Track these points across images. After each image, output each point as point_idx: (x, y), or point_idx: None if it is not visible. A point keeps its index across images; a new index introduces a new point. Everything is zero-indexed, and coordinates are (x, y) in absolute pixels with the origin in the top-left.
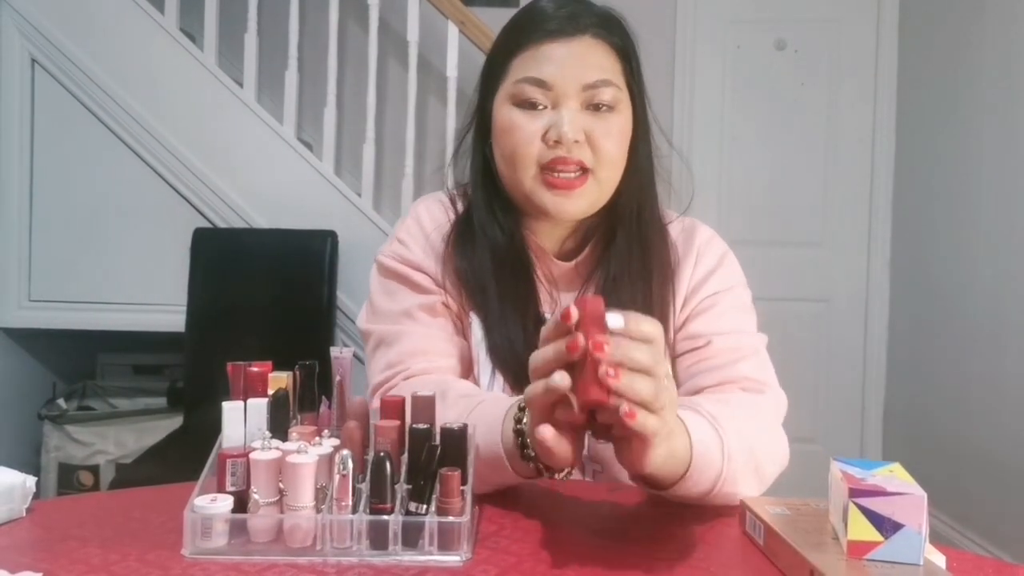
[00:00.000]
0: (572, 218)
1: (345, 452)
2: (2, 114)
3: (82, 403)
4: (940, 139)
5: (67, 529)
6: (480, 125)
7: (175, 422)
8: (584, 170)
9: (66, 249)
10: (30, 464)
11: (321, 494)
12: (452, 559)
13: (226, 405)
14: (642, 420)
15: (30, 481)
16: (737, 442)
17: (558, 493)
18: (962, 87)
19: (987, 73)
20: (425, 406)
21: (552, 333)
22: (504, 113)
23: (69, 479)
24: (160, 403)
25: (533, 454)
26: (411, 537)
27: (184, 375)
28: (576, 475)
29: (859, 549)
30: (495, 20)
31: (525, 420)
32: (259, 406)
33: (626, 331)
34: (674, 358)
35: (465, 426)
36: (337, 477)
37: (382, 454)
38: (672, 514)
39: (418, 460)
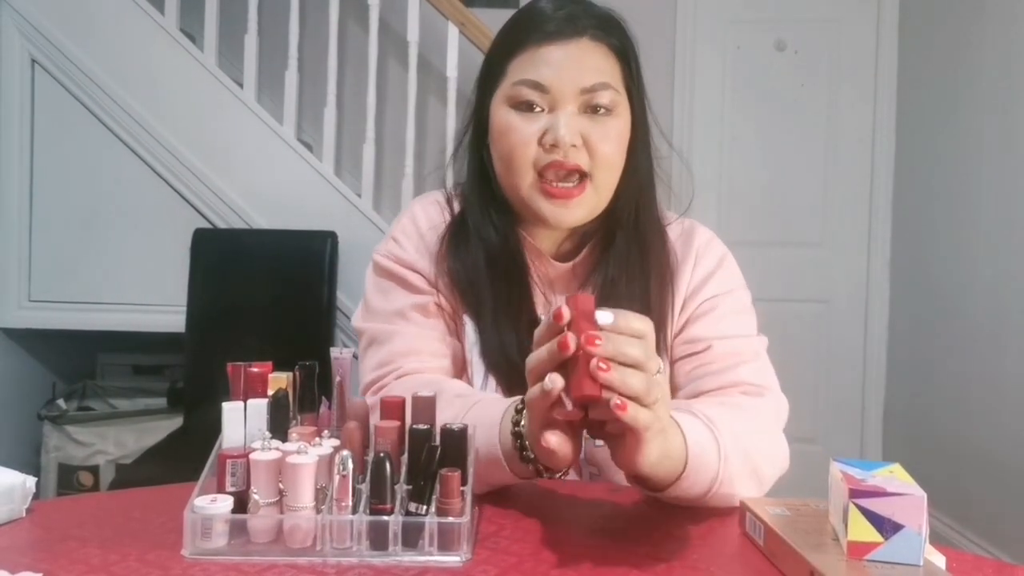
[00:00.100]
0: (570, 226)
1: (345, 453)
2: (2, 114)
3: (82, 403)
4: (940, 139)
5: (67, 529)
6: (477, 126)
7: (175, 422)
8: (582, 176)
9: (66, 249)
10: (30, 464)
11: (321, 495)
12: (452, 559)
13: (226, 406)
14: (633, 413)
15: (30, 481)
16: (733, 444)
17: (558, 493)
18: (962, 87)
19: (987, 73)
20: (425, 406)
21: (545, 334)
22: (501, 115)
23: (69, 479)
24: (160, 403)
25: (532, 456)
26: (411, 537)
27: (184, 375)
28: (573, 477)
29: (859, 550)
30: (495, 20)
31: (523, 423)
32: (259, 407)
33: (616, 327)
34: (673, 362)
35: (465, 427)
36: (337, 478)
37: (382, 454)
38: (672, 514)
39: (418, 460)
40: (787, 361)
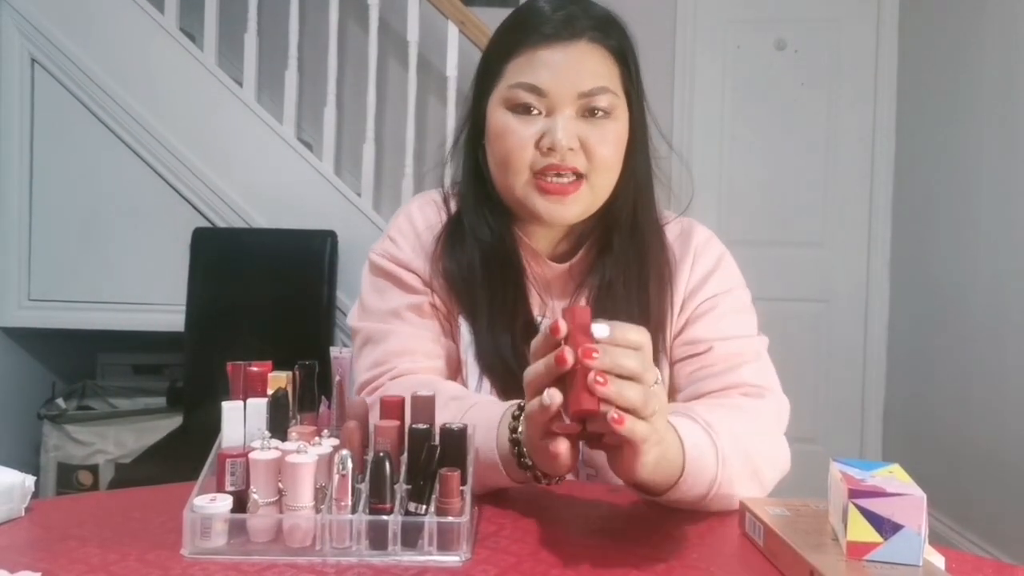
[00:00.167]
0: (565, 223)
1: (344, 452)
2: (2, 114)
3: (82, 403)
4: (940, 139)
5: (66, 529)
6: (473, 125)
7: (174, 422)
8: (578, 175)
9: (66, 249)
10: (29, 464)
11: (320, 494)
12: (451, 559)
13: (226, 405)
14: (630, 426)
15: (29, 481)
16: (732, 447)
17: (557, 494)
18: (962, 87)
19: (987, 73)
20: (425, 406)
21: (542, 347)
22: (498, 117)
23: (68, 479)
24: (160, 403)
25: (530, 463)
26: (410, 537)
27: (184, 375)
28: (570, 478)
29: (858, 550)
30: (495, 20)
31: (520, 429)
32: (259, 406)
33: (612, 340)
34: (673, 363)
35: (465, 426)
36: (336, 477)
37: (381, 454)
38: (671, 515)
39: (418, 460)
40: (787, 361)
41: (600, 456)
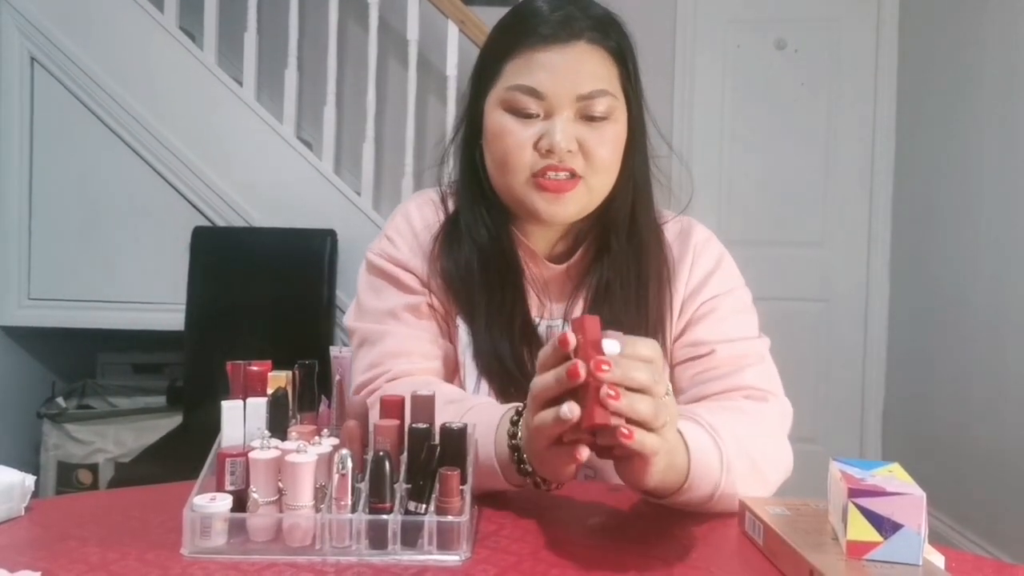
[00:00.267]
0: (563, 222)
1: (344, 451)
2: (2, 114)
3: (81, 402)
4: (940, 139)
5: (66, 528)
6: (470, 124)
7: (174, 421)
8: (574, 175)
9: (66, 248)
10: (29, 463)
11: (320, 493)
12: (451, 558)
13: (225, 404)
14: (640, 439)
15: (29, 480)
16: (736, 451)
17: (557, 493)
18: (962, 87)
19: (987, 73)
20: (425, 405)
21: (551, 359)
22: (496, 118)
23: (68, 478)
24: (159, 402)
25: (530, 469)
26: (410, 536)
27: (184, 374)
28: None
29: (858, 549)
30: (495, 20)
31: (519, 435)
32: (258, 405)
33: (623, 356)
34: (674, 366)
35: (465, 426)
36: (336, 476)
37: (381, 453)
38: (671, 514)
39: (417, 459)
40: (787, 361)
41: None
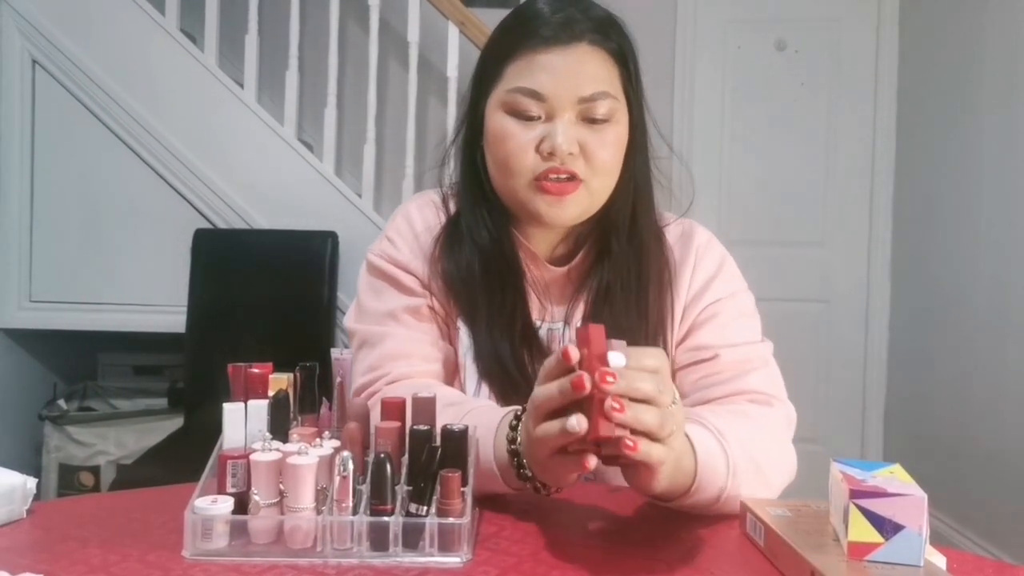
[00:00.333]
0: (564, 224)
1: (345, 453)
2: (2, 114)
3: (83, 404)
4: (940, 139)
5: (67, 530)
6: (471, 126)
7: (176, 423)
8: (574, 177)
9: (66, 249)
10: (31, 465)
11: (321, 495)
12: (452, 560)
13: (227, 406)
14: (646, 450)
15: (31, 482)
16: (742, 456)
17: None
18: (962, 87)
19: (987, 72)
20: (425, 407)
21: (555, 370)
22: (497, 120)
23: (70, 480)
24: (161, 404)
25: (530, 474)
26: (411, 538)
27: (184, 376)
28: None
29: (860, 550)
30: (495, 20)
31: (519, 440)
32: (259, 407)
33: (628, 368)
34: (677, 370)
35: (466, 428)
36: (337, 478)
37: (382, 455)
38: (672, 516)
39: (418, 461)
40: (787, 361)
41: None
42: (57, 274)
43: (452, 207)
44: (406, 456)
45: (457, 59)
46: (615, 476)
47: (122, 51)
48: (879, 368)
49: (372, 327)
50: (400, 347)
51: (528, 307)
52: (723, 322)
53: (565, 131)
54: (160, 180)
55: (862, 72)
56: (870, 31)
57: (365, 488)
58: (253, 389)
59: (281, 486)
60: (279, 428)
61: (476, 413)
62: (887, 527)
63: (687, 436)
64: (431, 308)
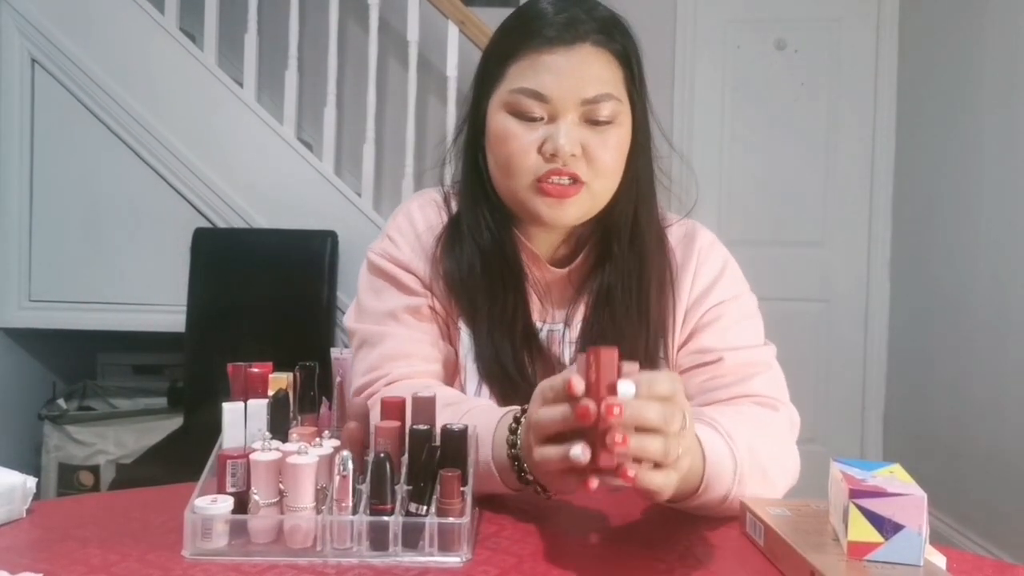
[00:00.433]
0: (565, 226)
1: (345, 453)
2: (2, 114)
3: (82, 403)
4: (940, 139)
5: (67, 530)
6: (473, 126)
7: (175, 422)
8: (577, 180)
9: (66, 249)
10: (30, 464)
11: (321, 495)
12: (452, 560)
13: (226, 406)
14: (647, 480)
15: (30, 482)
16: (750, 460)
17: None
18: (962, 87)
19: (987, 72)
20: (425, 407)
21: (561, 392)
22: (499, 121)
23: (69, 479)
24: (160, 403)
25: (531, 478)
26: (411, 538)
27: (184, 375)
28: None
29: (859, 550)
30: (495, 20)
31: (519, 444)
32: (259, 407)
33: (637, 398)
34: (680, 373)
35: (465, 427)
36: (337, 478)
37: (382, 455)
38: (672, 515)
39: (418, 461)
40: (787, 361)
41: None
42: (57, 273)
43: (454, 206)
44: (406, 456)
45: (457, 58)
46: (610, 482)
47: (122, 50)
48: (879, 368)
49: (372, 327)
50: (400, 347)
51: (529, 308)
52: (726, 325)
53: (568, 133)
54: (160, 179)
55: (862, 72)
56: (870, 31)
57: (365, 488)
58: (253, 389)
59: (281, 486)
60: (279, 428)
61: (474, 413)
62: (887, 527)
63: (697, 437)
64: (432, 308)
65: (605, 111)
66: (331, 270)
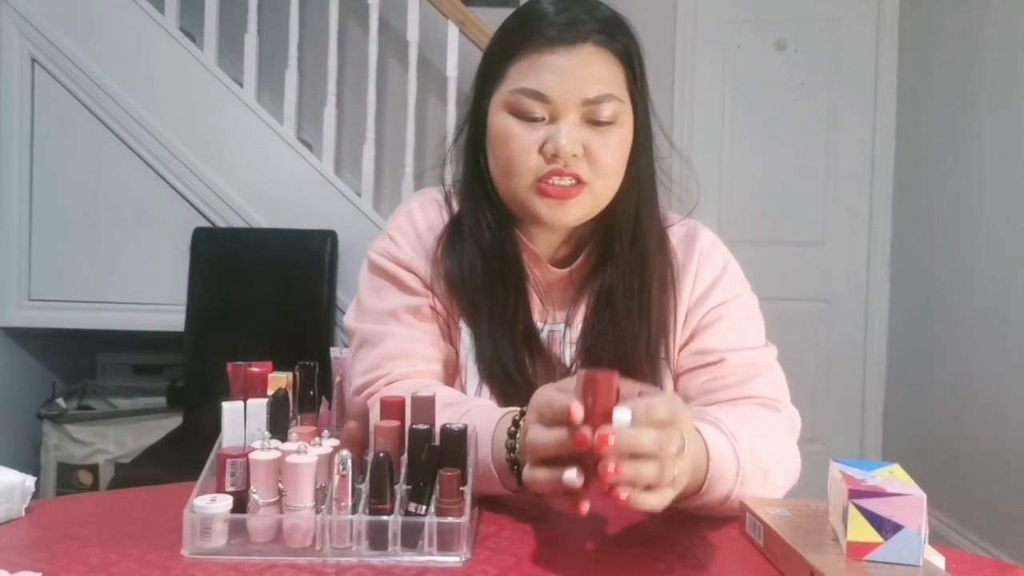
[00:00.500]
0: (566, 226)
1: (345, 452)
2: (2, 114)
3: (82, 402)
4: (940, 139)
5: (66, 529)
6: (473, 126)
7: (175, 422)
8: (579, 181)
9: (66, 249)
10: (29, 463)
11: (321, 494)
12: (451, 560)
13: (226, 405)
14: (640, 502)
15: (29, 481)
16: (752, 462)
17: None
18: (962, 86)
19: (987, 72)
20: (425, 406)
21: (559, 415)
22: (500, 121)
23: (68, 478)
24: (160, 403)
25: None
26: (410, 538)
27: (184, 375)
28: None
29: (859, 550)
30: (495, 20)
31: (518, 448)
32: (259, 406)
33: (635, 425)
34: (681, 373)
35: (465, 427)
36: (337, 477)
37: (382, 454)
38: (672, 516)
39: (418, 460)
40: (787, 361)
41: None
42: (56, 273)
43: (455, 206)
44: (405, 455)
45: (457, 58)
46: None
47: (122, 50)
48: (878, 368)
49: (372, 326)
50: (400, 347)
51: (530, 309)
52: (728, 325)
53: (569, 133)
54: (160, 179)
55: (862, 72)
56: (870, 31)
57: (364, 487)
58: (252, 388)
59: (280, 485)
60: (278, 427)
61: (474, 413)
62: (886, 527)
63: (701, 436)
64: (432, 308)
65: (607, 111)
66: (331, 270)
